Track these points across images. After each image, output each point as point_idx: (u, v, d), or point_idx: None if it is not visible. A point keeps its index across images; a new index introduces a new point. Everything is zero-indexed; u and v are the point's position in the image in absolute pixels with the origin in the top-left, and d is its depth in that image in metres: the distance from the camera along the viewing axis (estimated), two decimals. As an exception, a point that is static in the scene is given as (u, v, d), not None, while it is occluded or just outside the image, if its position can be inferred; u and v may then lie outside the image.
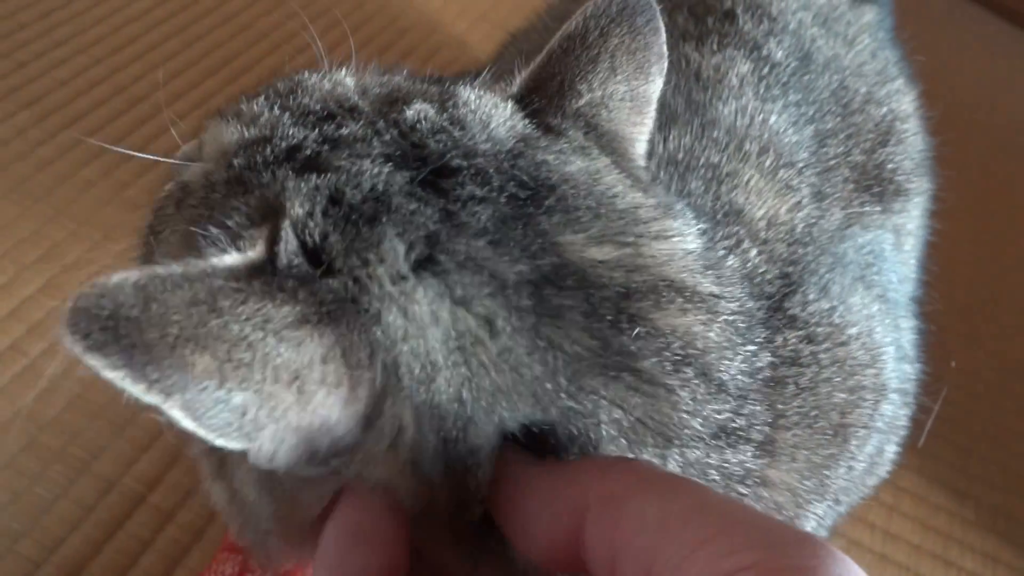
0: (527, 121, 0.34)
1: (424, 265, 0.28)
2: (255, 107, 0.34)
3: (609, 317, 0.30)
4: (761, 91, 0.50)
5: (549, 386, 0.28)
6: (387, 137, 0.32)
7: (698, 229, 0.35)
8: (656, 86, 0.37)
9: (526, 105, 0.35)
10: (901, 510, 0.77)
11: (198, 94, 0.90)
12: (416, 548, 0.29)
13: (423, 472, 0.28)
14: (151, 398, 0.25)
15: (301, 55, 0.96)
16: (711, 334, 0.33)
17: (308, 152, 0.31)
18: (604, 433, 0.29)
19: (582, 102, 0.35)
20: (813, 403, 0.38)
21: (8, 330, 0.69)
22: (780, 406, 0.36)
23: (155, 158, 0.36)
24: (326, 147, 0.31)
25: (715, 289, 0.34)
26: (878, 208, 0.50)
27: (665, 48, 0.37)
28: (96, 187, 0.80)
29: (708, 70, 0.50)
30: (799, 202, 0.45)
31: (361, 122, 0.32)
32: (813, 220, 0.45)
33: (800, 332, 0.39)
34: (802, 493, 0.37)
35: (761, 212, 0.43)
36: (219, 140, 0.34)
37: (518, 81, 0.36)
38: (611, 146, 0.35)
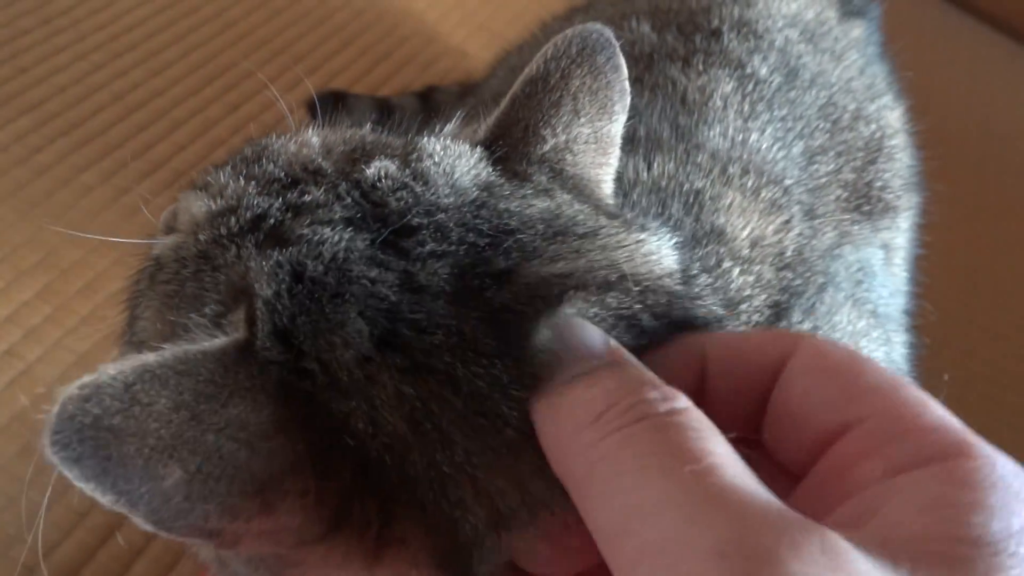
0: (492, 168, 0.34)
1: (387, 340, 0.28)
2: (222, 178, 0.34)
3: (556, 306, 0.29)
4: (744, 109, 0.50)
5: (523, 395, 0.28)
6: (348, 200, 0.32)
7: (673, 243, 0.34)
8: (619, 124, 0.37)
9: (493, 152, 0.35)
10: (893, 521, 0.77)
11: (197, 101, 0.90)
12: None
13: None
14: (116, 507, 0.25)
15: (300, 64, 0.97)
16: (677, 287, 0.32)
17: (272, 222, 0.31)
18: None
19: (547, 148, 0.35)
20: None
21: (4, 335, 0.69)
22: None
23: (134, 241, 0.36)
24: (289, 215, 0.31)
25: (678, 289, 0.33)
26: (868, 227, 0.50)
27: (627, 84, 0.36)
28: (94, 192, 0.80)
29: (694, 93, 0.50)
30: (788, 221, 0.45)
31: (324, 186, 0.32)
32: (805, 240, 0.45)
33: None
34: None
35: (745, 232, 0.43)
36: (190, 212, 0.34)
37: (484, 128, 0.36)
38: (577, 189, 0.35)
